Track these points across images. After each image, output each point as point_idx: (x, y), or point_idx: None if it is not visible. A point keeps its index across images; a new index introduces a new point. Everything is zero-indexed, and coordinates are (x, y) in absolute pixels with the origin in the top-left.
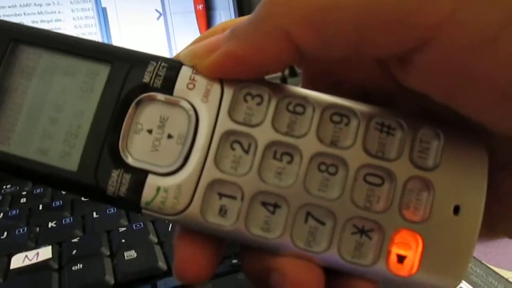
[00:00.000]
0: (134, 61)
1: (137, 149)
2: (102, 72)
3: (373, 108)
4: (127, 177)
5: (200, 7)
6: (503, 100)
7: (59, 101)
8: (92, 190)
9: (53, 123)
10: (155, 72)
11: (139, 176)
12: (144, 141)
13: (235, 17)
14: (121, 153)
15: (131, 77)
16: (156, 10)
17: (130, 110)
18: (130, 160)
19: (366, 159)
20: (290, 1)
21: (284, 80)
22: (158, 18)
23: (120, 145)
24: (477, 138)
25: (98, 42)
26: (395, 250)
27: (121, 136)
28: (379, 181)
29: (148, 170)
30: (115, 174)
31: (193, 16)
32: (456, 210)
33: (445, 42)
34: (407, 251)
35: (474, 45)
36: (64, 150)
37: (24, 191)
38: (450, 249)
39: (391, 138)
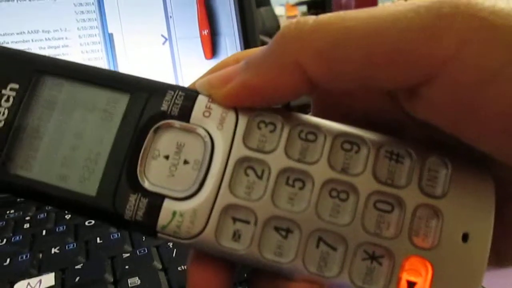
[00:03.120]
0: (153, 90)
1: (154, 174)
2: (121, 101)
3: (382, 137)
4: (144, 201)
5: (206, 32)
6: (506, 134)
7: (80, 129)
8: (110, 215)
9: (73, 150)
10: (172, 101)
11: (156, 200)
12: (161, 167)
13: (240, 42)
14: (139, 178)
15: (149, 106)
16: (162, 36)
17: (148, 137)
18: (147, 185)
19: (376, 186)
20: (302, 36)
21: (287, 104)
22: (163, 43)
23: (138, 170)
24: (484, 168)
25: (118, 72)
26: (406, 277)
27: (139, 161)
28: (389, 208)
29: (165, 195)
30: (132, 198)
31: (198, 41)
32: (465, 237)
33: (450, 79)
34: (417, 278)
35: (477, 83)
36: (83, 176)
37: (27, 216)
38: (460, 276)
39: (400, 166)
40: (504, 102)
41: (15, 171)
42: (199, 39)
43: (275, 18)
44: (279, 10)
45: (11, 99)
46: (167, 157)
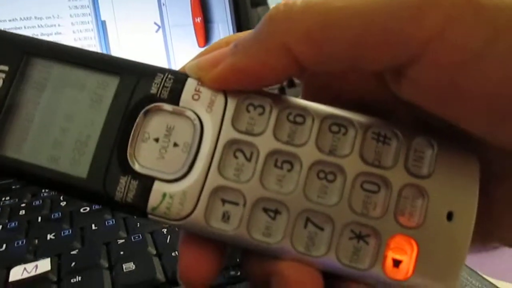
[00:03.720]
0: (142, 73)
1: (144, 157)
2: (111, 83)
3: (370, 119)
4: (135, 183)
5: (199, 19)
6: (490, 112)
7: (70, 111)
8: (101, 196)
9: (63, 132)
10: (162, 84)
11: (146, 182)
12: (151, 149)
13: (233, 29)
14: (129, 161)
15: (139, 88)
16: (155, 23)
17: (138, 120)
18: (137, 167)
19: (363, 167)
20: (290, 17)
21: (282, 90)
22: (156, 31)
23: (128, 153)
24: (469, 148)
25: (107, 55)
26: (391, 255)
27: (129, 144)
28: (376, 188)
29: (155, 177)
30: (123, 180)
31: (191, 29)
32: (450, 216)
33: (433, 59)
34: (402, 256)
35: (461, 61)
36: (74, 158)
37: (23, 203)
38: (444, 254)
39: (387, 147)
40: (487, 82)
41: (6, 152)
42: (192, 26)
43: None
44: None
45: (0, 81)
46: (157, 140)
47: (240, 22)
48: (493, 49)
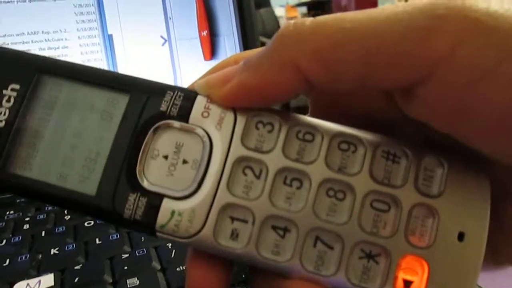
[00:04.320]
0: (152, 91)
1: (153, 174)
2: (121, 101)
3: (379, 137)
4: (143, 200)
5: (205, 33)
6: (499, 132)
7: (80, 129)
8: (110, 214)
9: (73, 150)
10: (171, 101)
11: (155, 199)
12: (160, 166)
13: (239, 43)
14: (138, 178)
15: (149, 106)
16: (161, 37)
17: (147, 137)
18: (146, 184)
19: (372, 185)
20: (300, 36)
21: (287, 104)
22: (163, 44)
23: (137, 170)
24: (480, 167)
25: (117, 73)
26: (402, 275)
27: (138, 161)
28: (386, 207)
29: (164, 194)
30: (132, 198)
31: (197, 42)
32: (461, 236)
33: (443, 79)
34: (413, 277)
35: (471, 82)
36: (83, 175)
37: (27, 217)
38: (455, 275)
39: (396, 166)
40: (496, 102)
41: (16, 170)
42: (199, 40)
43: (275, 19)
44: (279, 11)
45: (12, 99)
46: (166, 157)
47: (246, 36)
48: (502, 70)
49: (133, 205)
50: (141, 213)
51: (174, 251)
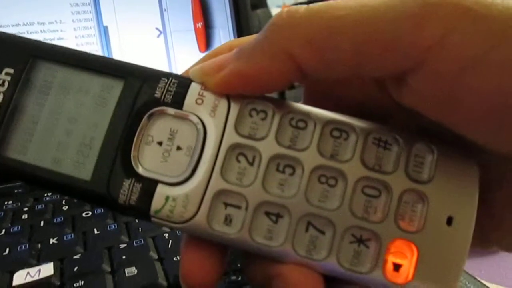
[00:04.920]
0: (147, 77)
1: (147, 160)
2: (116, 87)
3: (371, 124)
4: (138, 186)
5: (200, 25)
6: (488, 120)
7: (74, 114)
8: (104, 199)
9: (68, 135)
10: (166, 88)
11: (149, 185)
12: (154, 153)
13: (234, 35)
14: (133, 164)
15: (143, 92)
16: (156, 28)
17: (142, 123)
18: (141, 170)
19: (364, 172)
20: (294, 24)
21: (282, 93)
22: (158, 36)
23: (131, 156)
24: (468, 153)
25: (112, 59)
26: (391, 259)
27: (133, 147)
28: (376, 193)
29: (158, 180)
30: (126, 183)
31: (192, 34)
32: (449, 221)
33: (433, 67)
34: (402, 260)
35: (460, 70)
36: (78, 160)
37: (25, 207)
38: (444, 258)
39: (387, 153)
40: (485, 90)
41: (10, 154)
42: (194, 32)
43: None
44: (275, 12)
45: (6, 84)
46: (160, 143)
47: (241, 26)
48: (491, 58)
49: (128, 191)
50: (135, 199)
51: (171, 241)
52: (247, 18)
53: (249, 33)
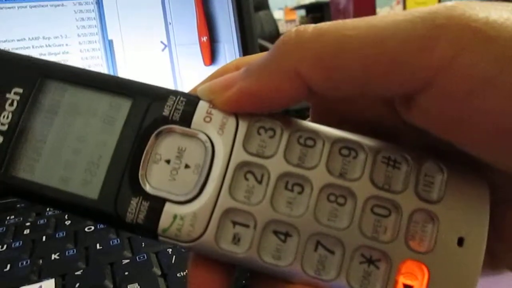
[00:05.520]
0: (155, 95)
1: (155, 178)
2: (124, 105)
3: (380, 143)
4: (146, 205)
5: (205, 39)
6: (497, 141)
7: (82, 133)
8: (112, 218)
9: (76, 154)
10: (174, 106)
11: (157, 204)
12: (162, 171)
13: (239, 49)
14: (140, 182)
15: (151, 111)
16: (161, 42)
17: (150, 141)
18: (148, 189)
19: (373, 191)
20: (302, 44)
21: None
22: (163, 50)
23: (139, 174)
24: (479, 173)
25: (120, 78)
26: (402, 280)
27: (140, 165)
28: (386, 213)
29: (166, 198)
30: (134, 202)
31: (197, 48)
32: (460, 242)
33: (443, 88)
34: (413, 281)
35: (469, 92)
36: (85, 179)
37: (27, 222)
38: (455, 280)
39: (397, 172)
40: (495, 110)
41: (19, 174)
42: (198, 45)
43: (273, 22)
44: (277, 14)
45: (15, 103)
46: (168, 161)
47: (246, 42)
48: (501, 80)
49: (135, 209)
50: (143, 217)
51: (174, 256)
52: (251, 30)
53: (253, 42)
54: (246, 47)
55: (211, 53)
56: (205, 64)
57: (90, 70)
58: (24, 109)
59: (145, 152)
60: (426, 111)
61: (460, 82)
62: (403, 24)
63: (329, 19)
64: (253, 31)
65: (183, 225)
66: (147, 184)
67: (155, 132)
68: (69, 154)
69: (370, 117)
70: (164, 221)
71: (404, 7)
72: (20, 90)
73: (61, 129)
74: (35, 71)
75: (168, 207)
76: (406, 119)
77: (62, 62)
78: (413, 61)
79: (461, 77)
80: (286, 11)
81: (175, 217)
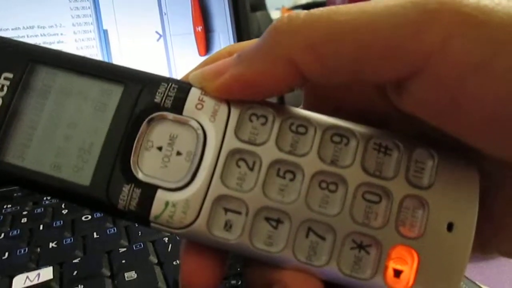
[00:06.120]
0: (146, 82)
1: (147, 165)
2: (115, 92)
3: (371, 130)
4: (138, 191)
5: (199, 28)
6: (488, 127)
7: (74, 119)
8: (104, 204)
9: (67, 140)
10: (166, 93)
11: (149, 191)
12: (154, 158)
13: (234, 39)
14: (132, 169)
15: (143, 97)
16: (156, 32)
17: (141, 128)
18: (140, 176)
19: (364, 177)
20: (294, 30)
21: (281, 96)
22: (158, 40)
23: (131, 161)
24: (469, 159)
25: (112, 64)
26: (392, 265)
27: (132, 152)
28: (377, 199)
29: (158, 185)
30: (126, 188)
31: (192, 38)
32: (450, 227)
33: (433, 73)
34: (403, 266)
35: (461, 76)
36: (77, 166)
37: (25, 211)
38: (444, 264)
39: (388, 158)
40: (486, 96)
41: (9, 159)
42: (193, 35)
43: (271, 22)
44: (275, 14)
45: (5, 88)
46: (160, 148)
47: (240, 29)
48: (492, 65)
49: (127, 196)
50: (135, 204)
51: (170, 245)
52: (246, 21)
53: (248, 36)
54: (241, 36)
55: (206, 43)
56: (200, 54)
57: (81, 56)
58: (15, 94)
59: (136, 139)
60: (417, 97)
61: (451, 67)
62: (394, 9)
63: None
64: (248, 19)
65: (175, 212)
66: (139, 171)
67: (147, 119)
68: (61, 140)
69: (363, 104)
70: (156, 208)
71: None
72: (10, 75)
73: (52, 115)
74: (25, 55)
75: (160, 194)
76: (398, 106)
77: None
78: (405, 46)
79: (452, 62)
80: (283, 11)
81: (167, 204)
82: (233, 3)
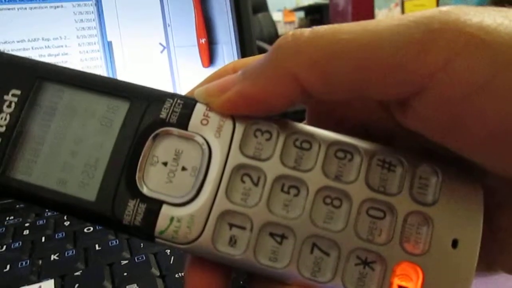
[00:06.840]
0: (152, 98)
1: (152, 181)
2: (121, 108)
3: (375, 146)
4: (143, 207)
5: (203, 40)
6: (491, 145)
7: (80, 135)
8: (109, 219)
9: (73, 155)
10: (171, 109)
11: (154, 206)
12: (159, 173)
13: (237, 51)
14: (138, 184)
15: (148, 113)
16: (160, 44)
17: (147, 144)
18: (145, 191)
19: (368, 193)
20: (298, 47)
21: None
22: (162, 51)
23: (136, 176)
24: (473, 176)
25: (118, 80)
26: (397, 282)
27: (138, 168)
28: (381, 215)
29: (163, 201)
30: (131, 204)
31: (196, 50)
32: (455, 243)
33: (437, 92)
34: (408, 283)
35: (463, 96)
36: (83, 181)
37: (27, 222)
38: (449, 281)
39: (392, 174)
40: (490, 115)
41: (16, 175)
42: (197, 47)
43: (272, 23)
44: (276, 16)
45: (13, 105)
46: (165, 164)
47: (244, 44)
48: (495, 84)
49: (133, 211)
50: (140, 219)
51: (173, 257)
52: (249, 32)
53: (251, 46)
54: (245, 48)
55: (209, 55)
56: (204, 66)
57: (88, 72)
58: (22, 111)
59: (142, 155)
60: (421, 115)
61: (454, 87)
62: (398, 28)
63: (328, 21)
64: (252, 32)
65: (180, 227)
66: (144, 187)
67: (152, 135)
68: (67, 156)
69: (366, 120)
70: (161, 223)
71: (403, 10)
72: (18, 92)
73: (59, 131)
74: (33, 73)
75: (165, 209)
76: (401, 122)
77: (62, 64)
78: (408, 65)
79: (455, 82)
80: (285, 13)
81: (172, 219)
82: (236, 14)
